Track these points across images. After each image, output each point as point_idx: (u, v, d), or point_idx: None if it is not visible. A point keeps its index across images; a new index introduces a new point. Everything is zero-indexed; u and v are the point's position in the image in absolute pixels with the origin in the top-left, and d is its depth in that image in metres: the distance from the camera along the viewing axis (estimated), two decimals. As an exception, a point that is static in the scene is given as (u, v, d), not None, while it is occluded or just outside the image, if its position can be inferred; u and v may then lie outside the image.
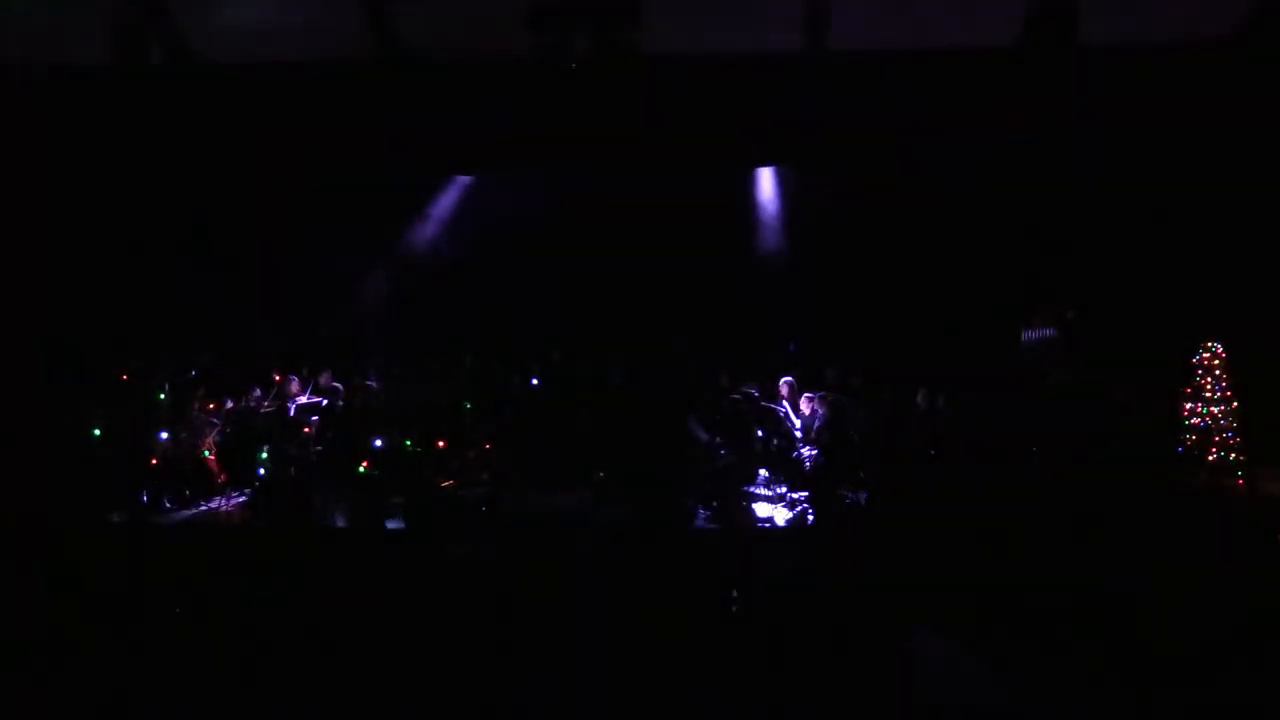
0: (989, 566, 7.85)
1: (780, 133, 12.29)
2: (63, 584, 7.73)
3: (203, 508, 10.97)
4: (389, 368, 13.43)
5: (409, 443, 11.36)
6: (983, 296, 13.85)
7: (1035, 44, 10.32)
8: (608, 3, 9.10)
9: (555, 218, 15.14)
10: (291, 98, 12.38)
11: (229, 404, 11.79)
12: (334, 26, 10.88)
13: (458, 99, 12.33)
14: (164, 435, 11.33)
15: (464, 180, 15.09)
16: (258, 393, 12.05)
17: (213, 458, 11.20)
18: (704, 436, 11.21)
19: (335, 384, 12.06)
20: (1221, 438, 11.48)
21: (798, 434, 11.24)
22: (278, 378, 12.74)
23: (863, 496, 10.52)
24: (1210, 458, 11.45)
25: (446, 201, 15.62)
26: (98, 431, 11.46)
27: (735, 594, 7.74)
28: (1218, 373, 11.63)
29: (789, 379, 12.29)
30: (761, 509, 10.69)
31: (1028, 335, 13.52)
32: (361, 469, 10.78)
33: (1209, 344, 11.73)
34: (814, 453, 10.97)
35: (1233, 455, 11.42)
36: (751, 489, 10.98)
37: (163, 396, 12.24)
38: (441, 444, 11.52)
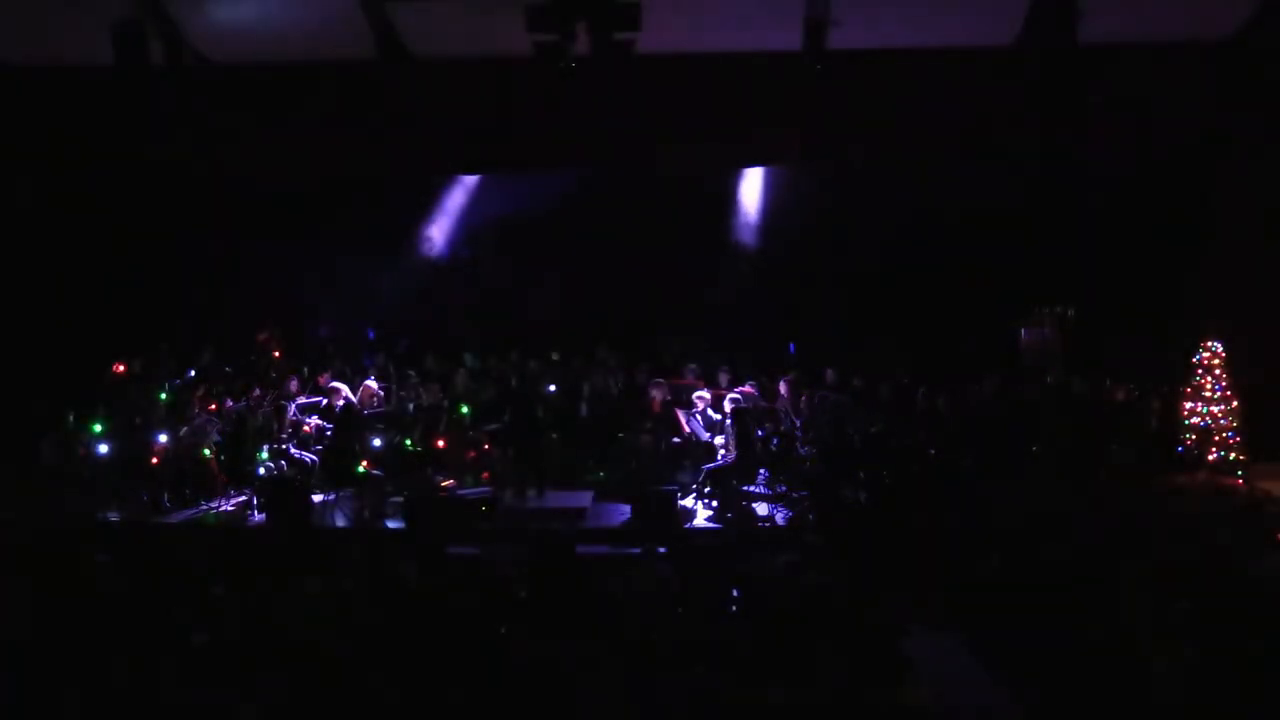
0: (989, 566, 7.84)
1: (780, 133, 12.30)
2: (62, 585, 7.73)
3: (203, 508, 10.96)
4: (388, 366, 13.43)
5: (409, 443, 11.36)
6: (983, 296, 13.86)
7: (1035, 44, 10.31)
8: (608, 3, 9.09)
9: (554, 217, 15.16)
10: (291, 98, 12.39)
11: (229, 404, 11.78)
12: (334, 26, 10.88)
13: (458, 99, 12.34)
14: (163, 436, 11.32)
15: (463, 180, 15.11)
16: (257, 392, 12.04)
17: (213, 458, 11.19)
18: (704, 436, 11.21)
19: (335, 384, 12.06)
20: (1221, 438, 11.48)
21: (798, 434, 11.24)
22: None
23: (862, 496, 10.53)
24: (1210, 458, 11.45)
25: (446, 201, 15.66)
26: (99, 429, 11.47)
27: (736, 594, 7.74)
28: (1218, 373, 11.63)
29: (789, 379, 12.29)
30: (761, 509, 10.70)
31: (1027, 335, 13.53)
32: (361, 469, 10.77)
33: (1209, 344, 11.72)
34: (813, 452, 10.97)
35: (1233, 455, 11.42)
36: (751, 489, 10.98)
37: (163, 397, 12.25)
38: (441, 444, 11.52)
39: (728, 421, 11.01)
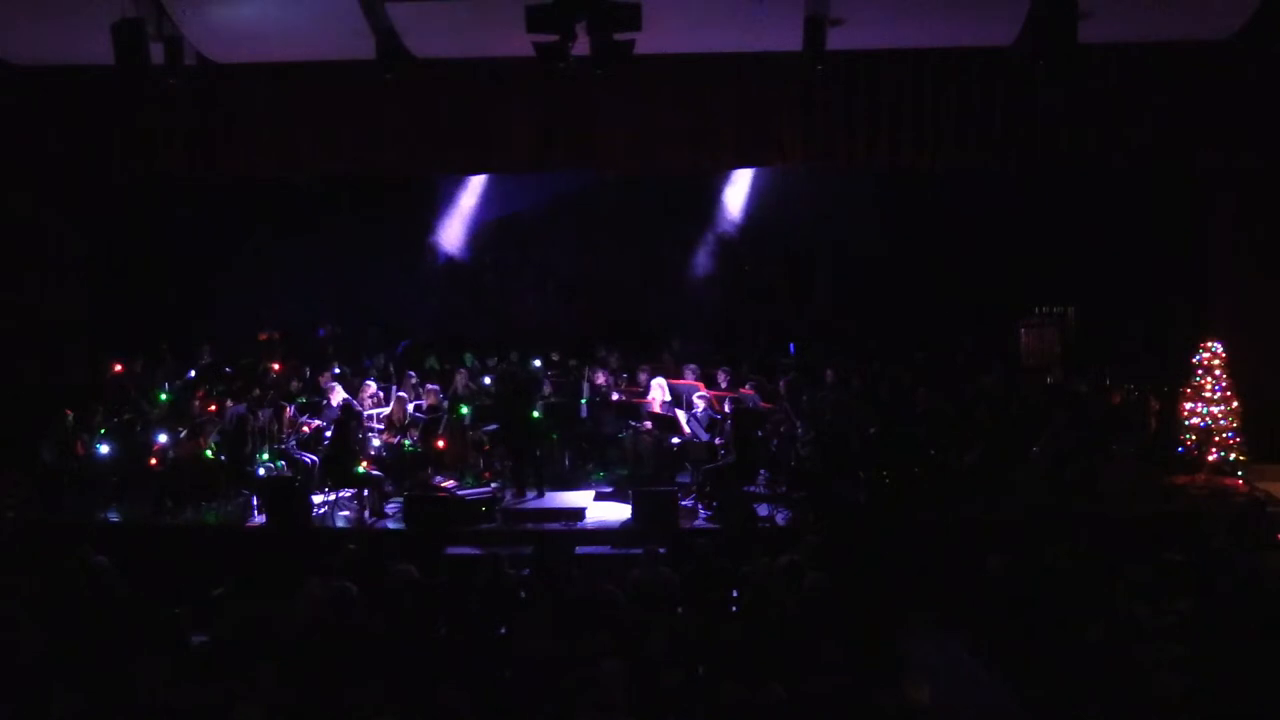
0: (989, 566, 7.84)
1: (780, 133, 12.30)
2: (61, 585, 7.73)
3: (203, 508, 10.96)
4: (388, 366, 13.45)
5: (408, 444, 11.36)
6: (983, 296, 13.87)
7: (1035, 44, 10.30)
8: (608, 3, 9.08)
9: (554, 217, 15.18)
10: (291, 98, 12.39)
11: (229, 404, 11.78)
12: (334, 26, 10.87)
13: (458, 99, 12.35)
14: (163, 436, 11.32)
15: (463, 180, 15.13)
16: (257, 393, 12.05)
17: (213, 458, 11.18)
18: (704, 436, 11.21)
19: (334, 384, 12.05)
20: (1221, 438, 11.48)
21: (798, 434, 11.24)
22: (277, 369, 12.76)
23: (862, 496, 10.53)
24: (1210, 458, 11.45)
25: (445, 201, 15.68)
26: (103, 430, 11.47)
27: (736, 594, 7.75)
28: (1218, 373, 11.63)
29: (789, 379, 12.30)
30: (761, 509, 10.69)
31: (1027, 335, 13.54)
32: (361, 469, 10.77)
33: (1209, 344, 11.73)
34: (813, 452, 10.96)
35: (1233, 455, 11.42)
36: (751, 489, 10.98)
37: (163, 397, 12.26)
38: (441, 444, 11.52)
39: (727, 422, 11.01)
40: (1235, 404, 11.53)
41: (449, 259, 15.86)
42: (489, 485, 10.98)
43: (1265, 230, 12.08)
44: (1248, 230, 12.19)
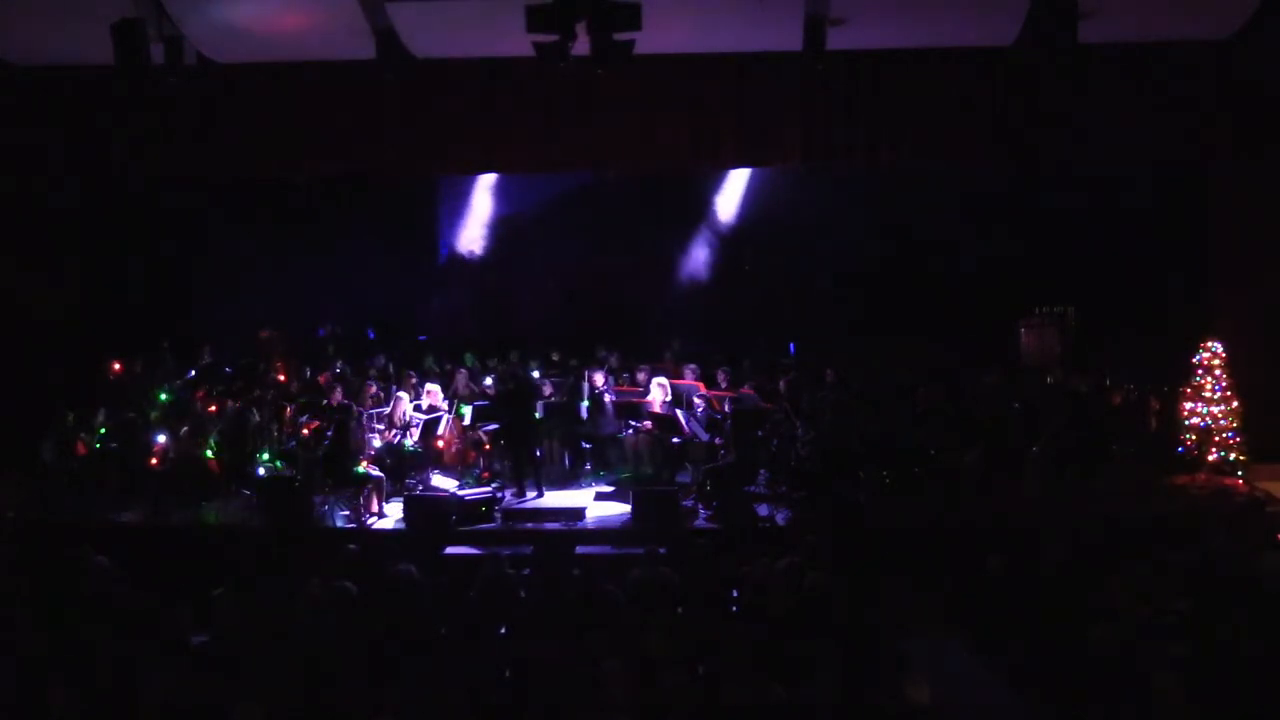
0: (989, 566, 7.84)
1: (780, 133, 12.30)
2: (61, 585, 7.73)
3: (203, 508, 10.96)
4: (388, 367, 13.45)
5: (409, 444, 11.36)
6: (983, 296, 13.86)
7: (1035, 44, 10.30)
8: (608, 3, 9.07)
9: (554, 217, 15.17)
10: (292, 98, 12.40)
11: (230, 404, 11.78)
12: (334, 26, 10.87)
13: (458, 99, 12.35)
14: (163, 436, 11.33)
15: (463, 180, 15.13)
16: (257, 393, 12.05)
17: (213, 458, 11.19)
18: (704, 437, 11.21)
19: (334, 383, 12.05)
20: (1221, 438, 11.48)
21: (798, 434, 11.24)
22: (282, 377, 12.76)
23: (862, 496, 10.53)
24: (1210, 458, 11.45)
25: (445, 201, 15.67)
26: (103, 430, 11.48)
27: (736, 594, 7.75)
28: (1218, 373, 11.62)
29: (789, 379, 12.30)
30: (761, 509, 10.69)
31: (1027, 335, 13.53)
32: (361, 469, 10.77)
33: (1209, 344, 11.72)
34: (813, 452, 10.96)
35: (1233, 455, 11.41)
36: (751, 489, 10.98)
37: (163, 397, 12.26)
38: (441, 444, 11.52)
39: (727, 422, 11.00)
40: (1235, 404, 11.53)
41: (449, 259, 15.87)
42: (489, 485, 10.98)
43: (1265, 230, 12.08)
44: (1248, 230, 12.18)
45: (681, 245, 15.12)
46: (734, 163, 13.50)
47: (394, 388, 12.34)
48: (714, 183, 14.89)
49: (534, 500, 10.82)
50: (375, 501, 10.64)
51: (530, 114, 12.32)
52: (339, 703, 5.88)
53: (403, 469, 11.23)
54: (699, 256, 15.24)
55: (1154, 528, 9.56)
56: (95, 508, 10.82)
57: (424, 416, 11.56)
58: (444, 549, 9.79)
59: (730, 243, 15.13)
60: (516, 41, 9.54)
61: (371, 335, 14.92)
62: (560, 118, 12.33)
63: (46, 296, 13.02)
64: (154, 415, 11.81)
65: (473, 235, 15.70)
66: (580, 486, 11.51)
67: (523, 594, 7.70)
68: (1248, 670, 6.09)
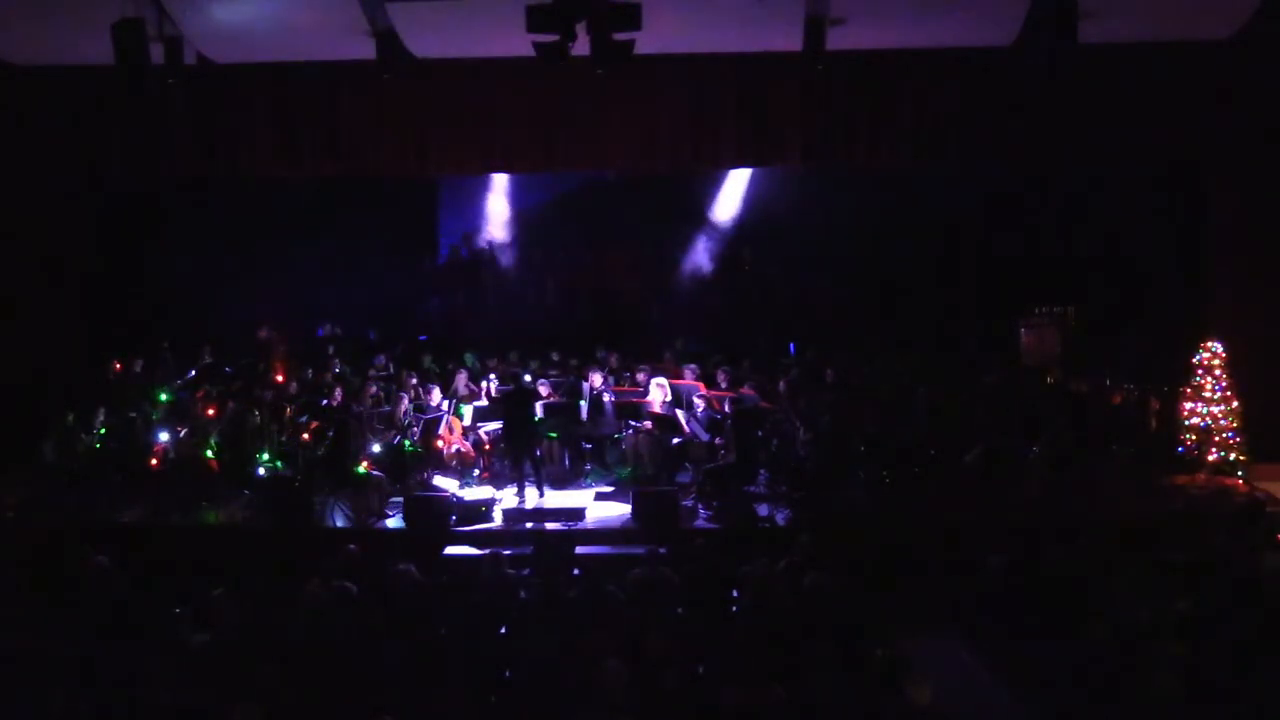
0: (989, 567, 7.84)
1: (780, 133, 12.30)
2: (61, 586, 7.73)
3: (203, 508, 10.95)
4: (388, 367, 13.44)
5: (408, 444, 11.35)
6: (983, 296, 13.87)
7: (1035, 44, 10.30)
8: (608, 3, 9.07)
9: (554, 217, 15.18)
10: (291, 98, 12.40)
11: (230, 405, 11.77)
12: (334, 26, 10.87)
13: (458, 99, 12.35)
14: (163, 436, 11.32)
15: (463, 180, 15.13)
16: (256, 393, 12.04)
17: (213, 458, 11.18)
18: (704, 437, 11.21)
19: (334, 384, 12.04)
20: (1221, 438, 11.47)
21: (798, 434, 11.24)
22: (280, 378, 12.76)
23: (862, 496, 10.53)
24: (1210, 458, 11.45)
25: (446, 201, 15.68)
26: (103, 430, 11.47)
27: (736, 594, 7.74)
28: (1218, 373, 11.62)
29: (789, 379, 12.29)
30: (761, 509, 10.69)
31: (1027, 335, 13.54)
32: (362, 469, 10.77)
33: (1209, 344, 11.72)
34: (813, 452, 10.96)
35: (1233, 455, 11.41)
36: (751, 489, 10.98)
37: (163, 397, 12.26)
38: (441, 444, 11.52)
39: (727, 422, 11.00)
40: (1235, 404, 11.53)
41: (449, 259, 15.87)
42: (489, 485, 10.96)
43: (1265, 230, 12.08)
44: (1247, 230, 12.18)
45: (681, 245, 15.13)
46: (734, 163, 13.50)
47: (395, 388, 12.33)
48: (714, 182, 14.89)
49: (534, 500, 10.81)
50: (376, 502, 10.63)
51: (530, 114, 12.32)
52: (339, 703, 5.88)
53: (403, 469, 11.22)
54: (699, 256, 15.24)
55: (1154, 528, 9.56)
56: (95, 508, 10.80)
57: (426, 416, 11.56)
58: (444, 549, 9.78)
59: (730, 243, 15.13)
60: (516, 41, 9.54)
61: (371, 335, 14.92)
62: (560, 118, 12.33)
63: (47, 296, 13.01)
64: (154, 415, 11.81)
65: (473, 235, 15.71)
66: (580, 486, 11.50)
67: (523, 594, 7.69)
68: (1248, 670, 6.09)
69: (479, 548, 9.64)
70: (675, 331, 14.39)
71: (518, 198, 15.22)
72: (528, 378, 11.72)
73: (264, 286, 13.87)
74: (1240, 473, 11.30)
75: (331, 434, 10.99)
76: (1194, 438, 11.61)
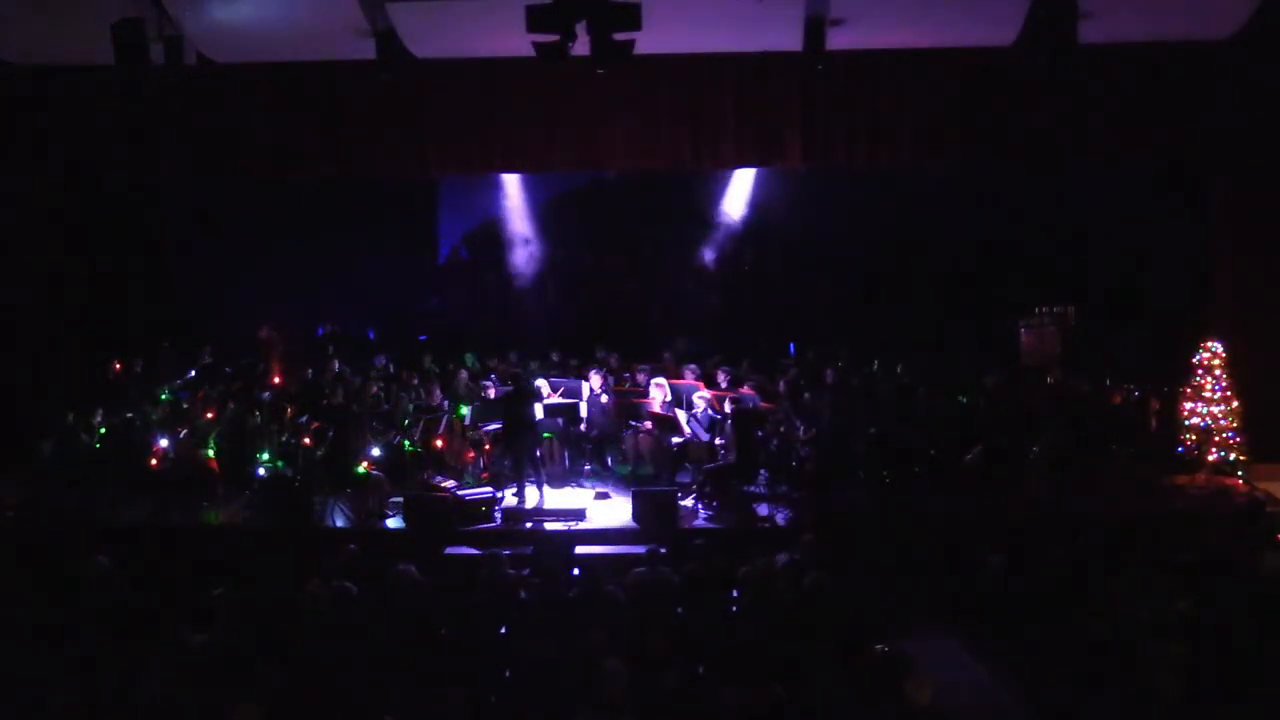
0: (989, 566, 7.84)
1: (780, 132, 12.30)
2: (61, 586, 7.73)
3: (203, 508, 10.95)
4: (388, 367, 13.44)
5: (408, 443, 11.36)
6: (983, 296, 13.87)
7: (1035, 44, 10.31)
8: (608, 3, 9.07)
9: (554, 217, 15.18)
10: (291, 98, 12.40)
11: (230, 405, 11.77)
12: (334, 26, 10.87)
13: (458, 99, 12.35)
14: (163, 438, 11.32)
15: (463, 180, 15.13)
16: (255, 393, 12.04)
17: (213, 458, 11.18)
18: (704, 437, 11.21)
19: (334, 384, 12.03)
20: (1221, 438, 11.48)
21: (798, 434, 11.24)
22: (278, 381, 12.76)
23: (862, 496, 10.54)
24: (1210, 458, 11.45)
25: (445, 201, 15.68)
26: (103, 430, 11.47)
27: (736, 594, 7.74)
28: (1218, 373, 11.62)
29: (789, 379, 12.30)
30: (761, 509, 10.69)
31: (1027, 335, 13.54)
32: (362, 469, 10.77)
33: (1209, 344, 11.72)
34: (813, 452, 10.97)
35: (1233, 455, 11.41)
36: (751, 489, 10.98)
37: (163, 397, 12.26)
38: (441, 444, 11.52)
39: (728, 422, 11.01)
40: (1235, 404, 11.53)
41: (449, 259, 15.87)
42: (489, 485, 10.97)
43: (1265, 230, 12.08)
44: (1247, 230, 12.19)
45: (681, 245, 15.12)
46: (734, 163, 13.51)
47: (395, 388, 12.33)
48: (714, 183, 14.89)
49: (534, 500, 10.81)
50: (376, 502, 10.63)
51: (530, 114, 12.32)
52: (339, 703, 5.88)
53: (403, 469, 11.22)
54: (699, 256, 15.24)
55: (1154, 528, 9.57)
56: (95, 508, 10.80)
57: (426, 416, 11.56)
58: (444, 549, 9.78)
59: (730, 243, 15.13)
60: (516, 41, 9.53)
61: (371, 335, 14.92)
62: (560, 118, 12.33)
63: (47, 296, 13.01)
64: (154, 415, 11.81)
65: (473, 235, 15.71)
66: (580, 486, 11.50)
67: (523, 594, 7.69)
68: (1248, 670, 6.09)
69: (479, 548, 9.64)
70: (675, 331, 14.40)
71: (518, 198, 15.22)
72: (537, 382, 11.72)
73: (264, 286, 13.86)
74: (1240, 473, 11.30)
75: (331, 434, 10.99)
76: (1194, 438, 11.61)
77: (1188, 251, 12.77)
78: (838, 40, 10.78)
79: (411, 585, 7.42)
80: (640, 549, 8.61)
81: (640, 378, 12.50)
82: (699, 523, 10.41)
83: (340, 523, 10.45)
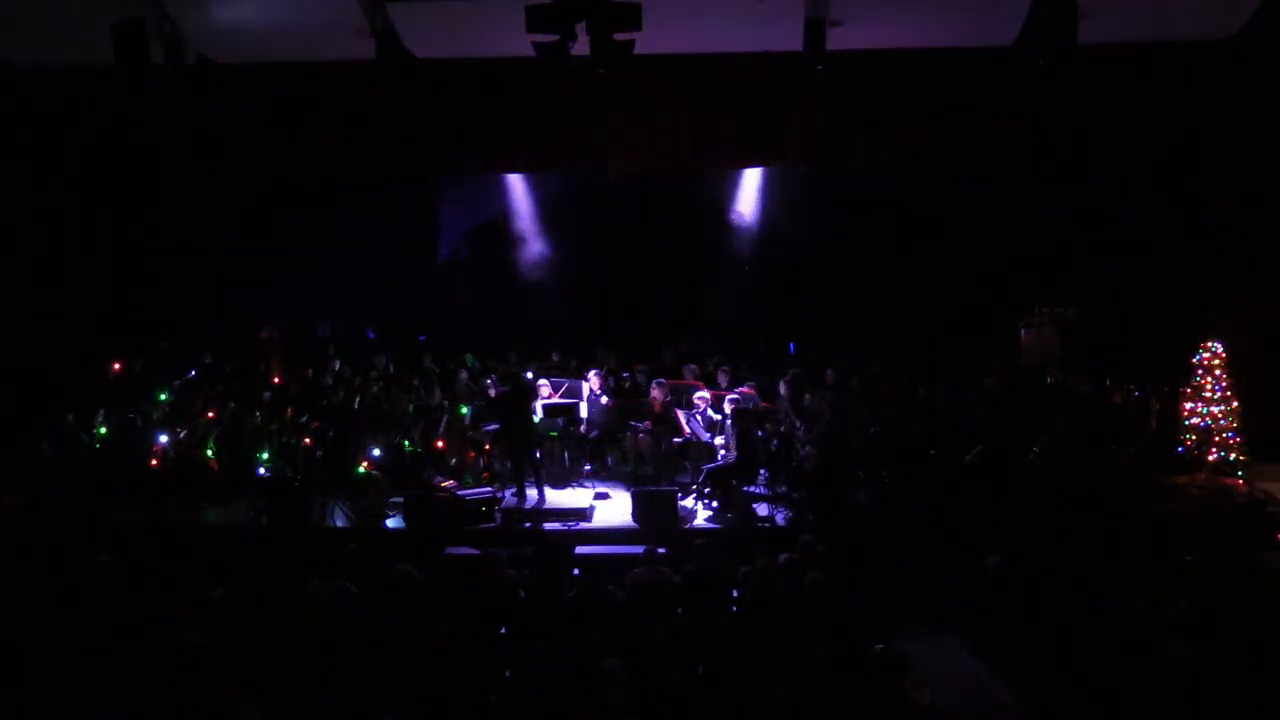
0: (989, 566, 7.85)
1: (780, 133, 12.30)
2: (61, 585, 7.73)
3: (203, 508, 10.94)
4: (388, 367, 13.44)
5: (408, 443, 11.35)
6: (982, 296, 13.86)
7: (1035, 44, 10.31)
8: (608, 3, 9.07)
9: (554, 218, 15.18)
10: (292, 98, 12.39)
11: (230, 405, 11.77)
12: (334, 26, 10.87)
13: (458, 99, 12.35)
14: (163, 436, 11.32)
15: (463, 180, 15.13)
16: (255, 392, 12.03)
17: (213, 458, 11.18)
18: (705, 436, 11.21)
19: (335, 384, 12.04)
20: (1221, 438, 11.47)
21: (798, 434, 11.24)
22: (278, 380, 12.76)
23: (862, 496, 10.54)
24: (1210, 458, 11.45)
25: (445, 201, 15.68)
26: (103, 430, 11.47)
27: (736, 594, 7.75)
28: (1218, 373, 11.62)
29: (789, 379, 12.29)
30: (761, 509, 10.69)
31: (1027, 335, 13.53)
32: (362, 469, 10.76)
33: (1209, 344, 11.72)
34: (813, 452, 10.97)
35: (1233, 455, 11.41)
36: (751, 489, 10.98)
37: (163, 397, 12.26)
38: (441, 444, 11.52)
39: (728, 421, 11.01)
40: (1235, 404, 11.53)
41: (449, 259, 15.86)
42: (489, 485, 10.97)
43: (1265, 230, 12.08)
44: (1247, 230, 12.19)
45: (681, 245, 15.11)
46: (734, 163, 13.51)
47: (395, 388, 12.32)
48: (715, 183, 14.88)
49: (534, 500, 10.81)
50: (376, 502, 10.63)
51: (530, 114, 12.33)
52: (339, 703, 5.88)
53: (403, 469, 11.22)
54: (699, 256, 15.22)
55: (1154, 528, 9.57)
56: (95, 508, 10.81)
57: (426, 416, 11.56)
58: (444, 549, 9.78)
59: (731, 243, 15.12)
60: (516, 41, 9.54)
61: (371, 335, 14.91)
62: (560, 118, 12.33)
63: (47, 296, 13.01)
64: (154, 415, 11.81)
65: (474, 234, 15.70)
66: (580, 486, 11.50)
67: (523, 594, 7.70)
68: (1248, 670, 6.10)
69: (479, 548, 9.65)
70: (675, 331, 14.39)
71: (518, 198, 15.21)
72: (529, 376, 11.72)
73: (264, 286, 13.86)
74: (1240, 473, 11.30)
75: (331, 434, 10.98)
76: (1194, 438, 11.61)
77: (1187, 251, 12.77)
78: (838, 40, 10.78)
79: (411, 585, 7.42)
80: (640, 549, 8.61)
81: (640, 378, 12.49)
82: (699, 523, 10.41)
83: (340, 523, 10.45)
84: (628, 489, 10.98)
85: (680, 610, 7.35)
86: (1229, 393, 11.56)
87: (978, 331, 13.63)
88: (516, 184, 15.06)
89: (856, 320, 14.25)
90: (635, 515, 10.36)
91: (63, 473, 11.21)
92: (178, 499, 10.85)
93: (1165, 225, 12.94)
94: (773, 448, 11.23)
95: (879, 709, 5.60)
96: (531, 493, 10.86)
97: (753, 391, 11.72)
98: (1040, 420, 11.18)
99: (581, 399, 11.85)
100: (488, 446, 11.61)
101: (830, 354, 13.23)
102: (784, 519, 10.44)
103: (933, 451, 10.88)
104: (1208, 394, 11.59)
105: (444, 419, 11.61)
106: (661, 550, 8.48)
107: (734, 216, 14.98)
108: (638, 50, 9.48)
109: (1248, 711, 5.88)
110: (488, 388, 12.15)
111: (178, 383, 12.63)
